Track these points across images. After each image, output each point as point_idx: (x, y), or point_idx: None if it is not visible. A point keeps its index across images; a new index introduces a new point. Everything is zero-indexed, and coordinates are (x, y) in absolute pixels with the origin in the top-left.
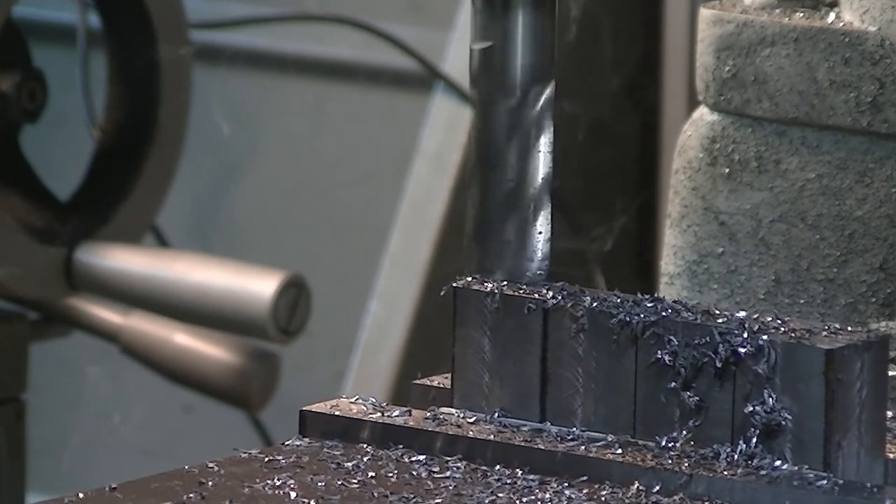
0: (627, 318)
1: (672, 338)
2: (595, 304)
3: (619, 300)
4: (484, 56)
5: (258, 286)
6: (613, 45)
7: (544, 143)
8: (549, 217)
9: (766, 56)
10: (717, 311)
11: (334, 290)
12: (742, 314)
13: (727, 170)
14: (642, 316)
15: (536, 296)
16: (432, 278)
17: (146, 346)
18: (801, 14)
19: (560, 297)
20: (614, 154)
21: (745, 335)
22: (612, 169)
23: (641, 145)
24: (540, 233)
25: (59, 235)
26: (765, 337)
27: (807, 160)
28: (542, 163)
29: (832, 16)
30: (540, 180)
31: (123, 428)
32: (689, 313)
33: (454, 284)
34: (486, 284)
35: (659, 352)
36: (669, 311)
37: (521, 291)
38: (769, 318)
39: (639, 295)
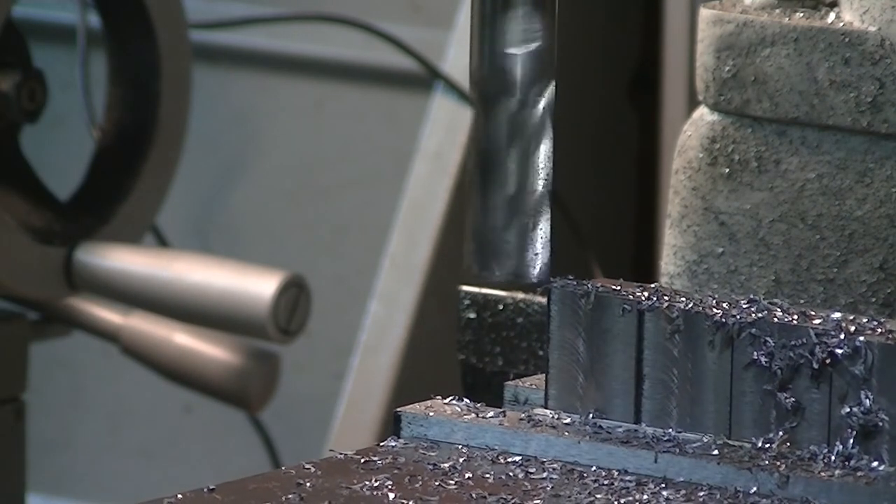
0: (723, 320)
1: (768, 339)
2: (690, 306)
3: (714, 301)
4: (484, 56)
5: (258, 286)
6: (613, 45)
7: (545, 143)
8: (550, 217)
9: (766, 56)
10: (813, 312)
11: (334, 290)
12: (838, 315)
13: (727, 170)
14: (738, 317)
15: (631, 297)
16: (432, 278)
17: (146, 346)
18: (801, 14)
19: (655, 299)
20: (614, 154)
21: (842, 336)
22: (613, 169)
23: (641, 145)
24: (541, 233)
25: (59, 235)
26: (861, 338)
27: (807, 160)
28: (542, 163)
29: (832, 16)
30: (540, 181)
31: (123, 428)
32: (785, 314)
33: (549, 285)
34: (581, 285)
35: (755, 353)
36: (765, 312)
37: (616, 293)
38: (865, 320)
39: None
